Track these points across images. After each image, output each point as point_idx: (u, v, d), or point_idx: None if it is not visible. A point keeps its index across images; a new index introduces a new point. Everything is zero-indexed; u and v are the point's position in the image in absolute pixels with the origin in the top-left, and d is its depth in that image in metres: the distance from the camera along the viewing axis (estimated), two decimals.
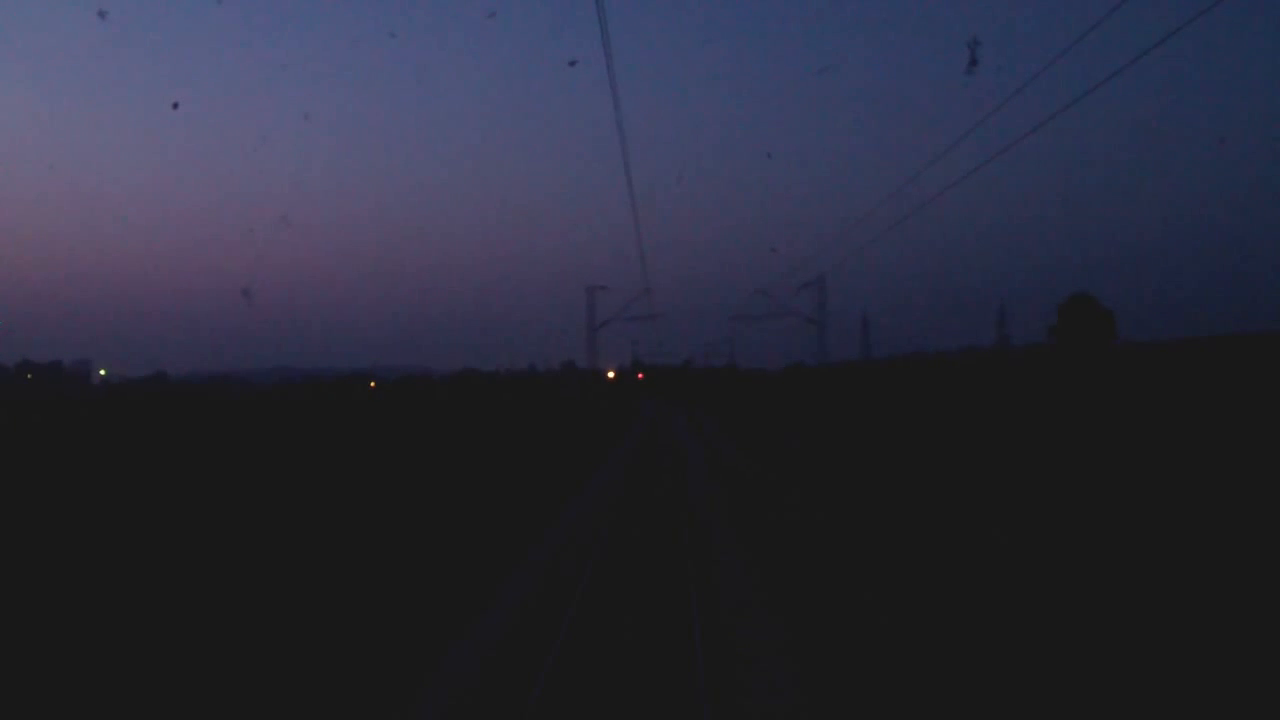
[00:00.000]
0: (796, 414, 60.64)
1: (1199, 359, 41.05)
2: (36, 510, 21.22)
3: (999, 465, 28.11)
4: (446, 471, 32.12)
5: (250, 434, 46.51)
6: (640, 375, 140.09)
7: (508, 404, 78.54)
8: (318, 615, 13.28)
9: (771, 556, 17.55)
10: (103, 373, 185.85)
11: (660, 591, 14.58)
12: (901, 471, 29.61)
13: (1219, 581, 14.03)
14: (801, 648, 11.63)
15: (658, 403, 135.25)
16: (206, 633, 12.26)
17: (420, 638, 12.17)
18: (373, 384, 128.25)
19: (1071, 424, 33.04)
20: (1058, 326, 51.61)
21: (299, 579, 15.36)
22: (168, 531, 19.10)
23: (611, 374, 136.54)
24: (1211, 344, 45.16)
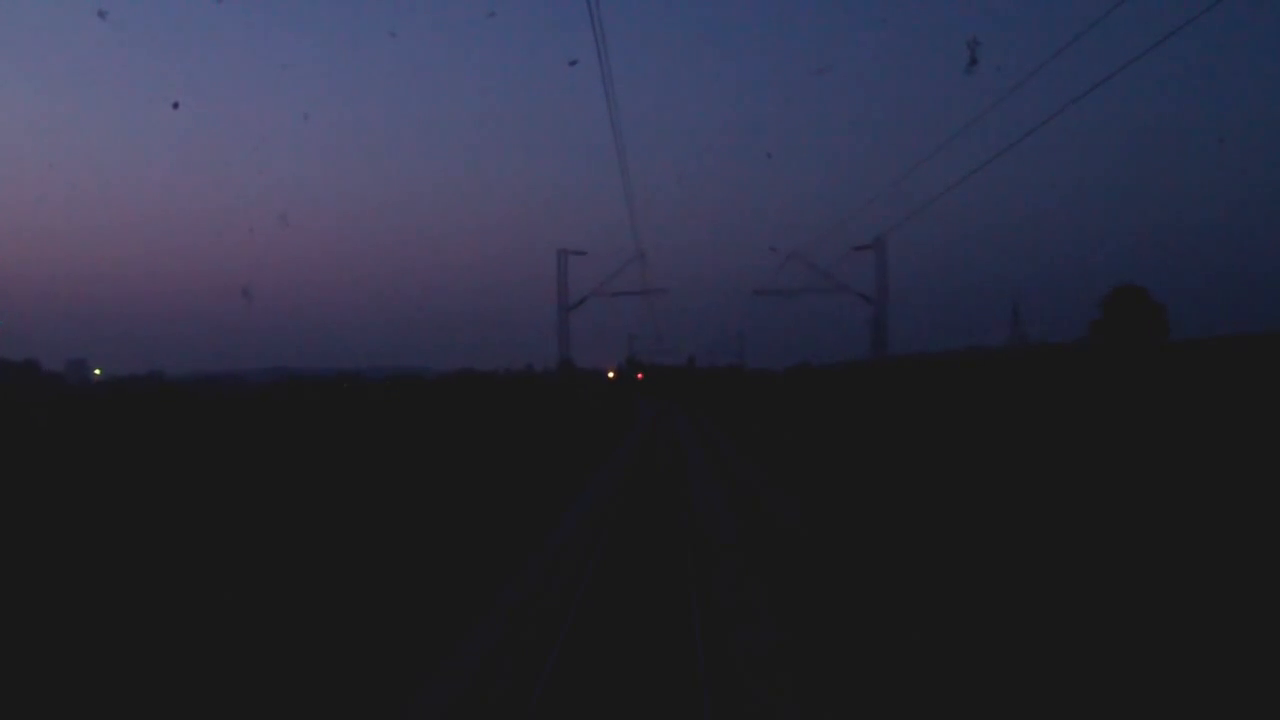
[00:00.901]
0: (843, 427, 48.31)
1: (1262, 359, 36.40)
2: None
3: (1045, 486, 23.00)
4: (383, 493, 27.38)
5: (230, 435, 42.14)
6: (640, 375, 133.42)
7: (457, 415, 67.61)
8: (308, 627, 12.75)
9: None
10: (97, 372, 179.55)
11: None
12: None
13: None
14: None
15: (658, 408, 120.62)
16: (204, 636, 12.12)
17: None
18: (352, 385, 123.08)
19: (1127, 433, 28.06)
20: (1102, 322, 46.58)
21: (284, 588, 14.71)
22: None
23: (612, 374, 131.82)
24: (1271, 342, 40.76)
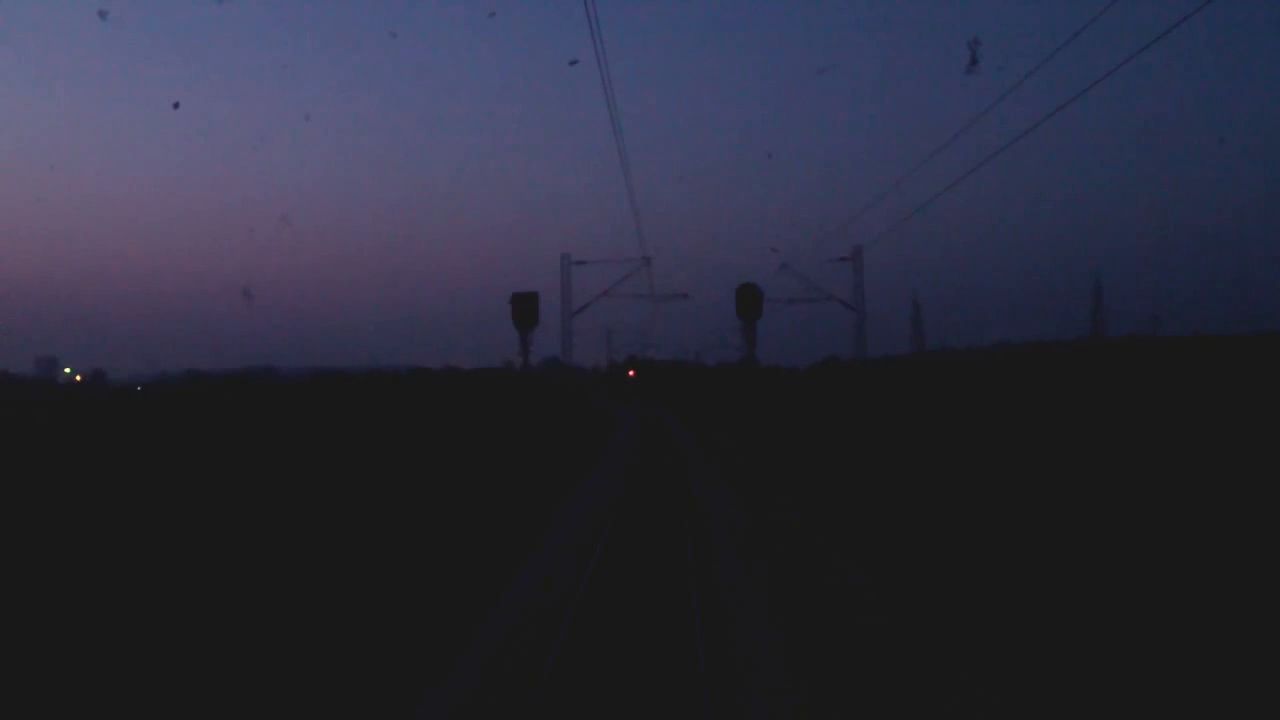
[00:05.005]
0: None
1: None
2: None
3: None
4: None
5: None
6: (631, 373, 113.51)
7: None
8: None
9: None
10: (67, 370, 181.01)
11: None
12: None
13: None
14: None
15: (649, 423, 71.90)
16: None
17: None
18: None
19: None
20: None
21: None
22: None
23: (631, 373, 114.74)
24: None
